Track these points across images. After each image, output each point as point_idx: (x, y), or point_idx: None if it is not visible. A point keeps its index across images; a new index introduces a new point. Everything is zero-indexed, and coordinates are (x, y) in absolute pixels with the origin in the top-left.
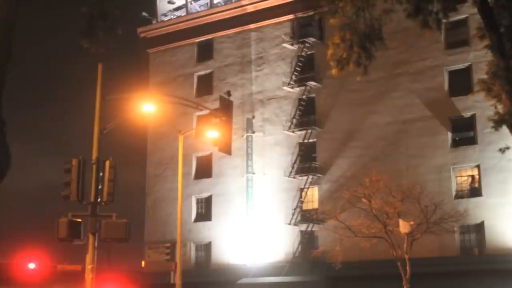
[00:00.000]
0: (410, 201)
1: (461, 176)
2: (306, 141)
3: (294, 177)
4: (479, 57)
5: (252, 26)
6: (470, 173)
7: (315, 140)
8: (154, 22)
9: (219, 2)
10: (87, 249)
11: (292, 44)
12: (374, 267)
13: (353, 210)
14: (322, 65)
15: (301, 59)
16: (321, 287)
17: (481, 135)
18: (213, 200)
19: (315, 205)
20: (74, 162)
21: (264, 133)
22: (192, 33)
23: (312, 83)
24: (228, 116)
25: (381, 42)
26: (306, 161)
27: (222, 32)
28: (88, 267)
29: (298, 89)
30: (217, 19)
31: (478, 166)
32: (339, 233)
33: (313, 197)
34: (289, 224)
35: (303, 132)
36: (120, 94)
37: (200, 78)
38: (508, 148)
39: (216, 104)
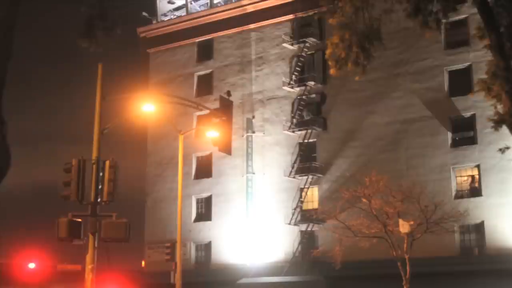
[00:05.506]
0: (410, 201)
1: (461, 176)
2: (306, 141)
3: (294, 177)
4: (479, 57)
5: (252, 26)
6: (470, 173)
7: (315, 140)
8: (154, 22)
9: (219, 2)
10: (87, 249)
11: (292, 44)
12: (374, 267)
13: (353, 210)
14: (322, 65)
15: (301, 59)
16: (321, 287)
17: (481, 135)
18: (213, 200)
19: (315, 205)
20: (74, 162)
21: (264, 133)
22: (192, 33)
23: (312, 83)
24: (228, 116)
25: (380, 42)
26: (306, 161)
27: (222, 32)
28: (88, 267)
29: (298, 89)
30: (217, 19)
31: (478, 166)
32: (339, 233)
33: (313, 197)
34: (289, 224)
35: (303, 132)
36: (120, 94)
37: (200, 78)
38: (508, 148)
39: (216, 104)
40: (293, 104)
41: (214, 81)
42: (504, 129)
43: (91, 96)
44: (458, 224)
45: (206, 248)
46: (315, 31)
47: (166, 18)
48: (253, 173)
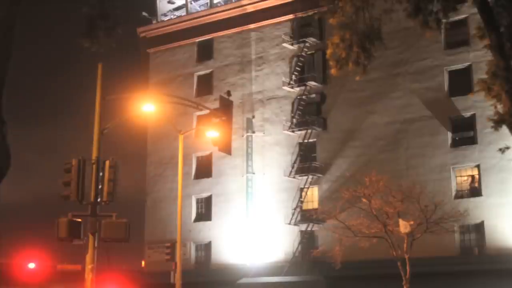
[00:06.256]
0: (410, 201)
1: (461, 176)
2: (306, 141)
3: (294, 177)
4: (479, 57)
5: (252, 26)
6: (470, 173)
7: (315, 140)
8: (154, 22)
9: (219, 2)
10: (87, 249)
11: (292, 44)
12: (374, 267)
13: (353, 210)
14: (322, 65)
15: (301, 59)
16: (321, 287)
17: (481, 135)
18: (213, 200)
19: (315, 205)
20: (74, 162)
21: (264, 133)
22: (192, 33)
23: (312, 83)
24: (228, 116)
25: (380, 42)
26: (306, 161)
27: (222, 32)
28: (88, 267)
29: (298, 89)
30: (217, 19)
31: (478, 166)
32: (339, 233)
33: (313, 197)
34: (289, 224)
35: (303, 132)
36: (120, 94)
37: (200, 78)
38: (508, 148)
39: (216, 104)
40: (293, 104)
41: (214, 81)
42: (504, 129)
43: (91, 96)
44: (458, 224)
45: (206, 248)
46: (315, 31)
47: (166, 18)
48: (253, 173)
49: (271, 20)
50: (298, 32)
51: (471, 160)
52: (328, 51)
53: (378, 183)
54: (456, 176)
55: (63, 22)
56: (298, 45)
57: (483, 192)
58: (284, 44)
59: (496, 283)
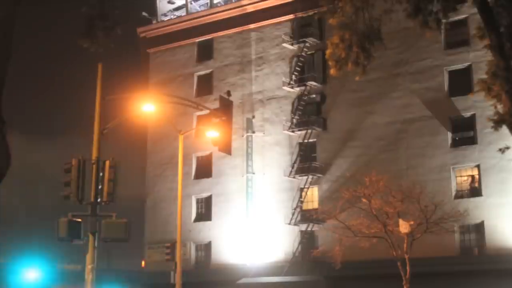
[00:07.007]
0: (410, 201)
1: (461, 176)
2: (306, 141)
3: (294, 177)
4: (479, 57)
5: (252, 26)
6: (470, 173)
7: (315, 140)
8: (154, 22)
9: (219, 2)
10: (87, 249)
11: (292, 44)
12: (374, 267)
13: (353, 210)
14: (322, 65)
15: (301, 59)
16: (321, 287)
17: (481, 135)
18: (213, 200)
19: (315, 205)
20: (74, 162)
21: (264, 133)
22: (192, 33)
23: (312, 83)
24: (228, 116)
25: (380, 42)
26: (306, 161)
27: (222, 32)
28: (88, 267)
29: (298, 89)
30: (217, 19)
31: (478, 166)
32: (339, 233)
33: (313, 197)
34: (289, 224)
35: (303, 132)
36: (120, 94)
37: (200, 78)
38: (508, 148)
39: (216, 104)
40: (293, 104)
41: (214, 81)
42: (504, 129)
43: (91, 96)
44: (458, 224)
45: (206, 248)
46: (315, 31)
47: (166, 18)
48: (253, 173)
49: (271, 20)
50: (298, 32)
51: (471, 160)
52: (328, 51)
53: (378, 183)
54: (456, 176)
55: (63, 22)
56: (298, 45)
57: (483, 192)
58: (284, 44)
59: (496, 283)
